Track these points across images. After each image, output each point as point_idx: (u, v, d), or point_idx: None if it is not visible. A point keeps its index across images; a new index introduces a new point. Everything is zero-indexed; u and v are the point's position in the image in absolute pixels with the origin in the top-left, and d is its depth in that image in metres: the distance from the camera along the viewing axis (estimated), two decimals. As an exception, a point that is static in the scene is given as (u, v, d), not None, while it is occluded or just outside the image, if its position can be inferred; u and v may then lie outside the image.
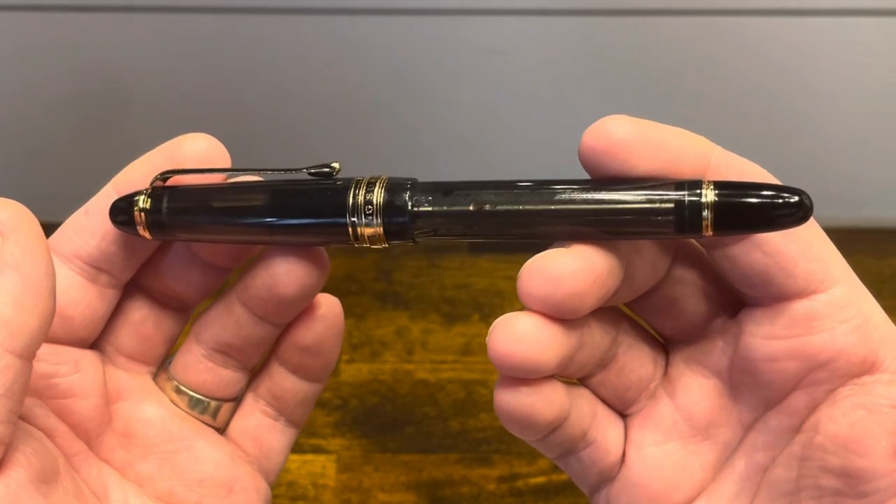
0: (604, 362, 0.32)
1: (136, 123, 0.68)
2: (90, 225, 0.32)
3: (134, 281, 0.34)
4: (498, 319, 0.29)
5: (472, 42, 0.66)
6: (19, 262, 0.28)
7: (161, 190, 0.31)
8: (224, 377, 0.35)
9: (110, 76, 0.67)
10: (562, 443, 0.32)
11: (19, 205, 0.29)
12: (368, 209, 0.29)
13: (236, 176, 0.33)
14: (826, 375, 0.30)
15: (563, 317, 0.29)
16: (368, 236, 0.30)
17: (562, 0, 0.64)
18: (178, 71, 0.67)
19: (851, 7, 0.65)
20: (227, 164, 0.32)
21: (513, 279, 0.70)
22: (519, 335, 0.29)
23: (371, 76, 0.67)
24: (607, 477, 0.33)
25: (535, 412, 0.30)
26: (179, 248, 0.33)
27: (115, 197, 0.32)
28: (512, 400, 0.30)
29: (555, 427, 0.31)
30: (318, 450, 0.57)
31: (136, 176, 0.32)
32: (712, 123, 0.67)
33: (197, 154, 0.32)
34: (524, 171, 0.71)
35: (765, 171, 0.30)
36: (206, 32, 0.65)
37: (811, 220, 0.29)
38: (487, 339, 0.29)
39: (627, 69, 0.67)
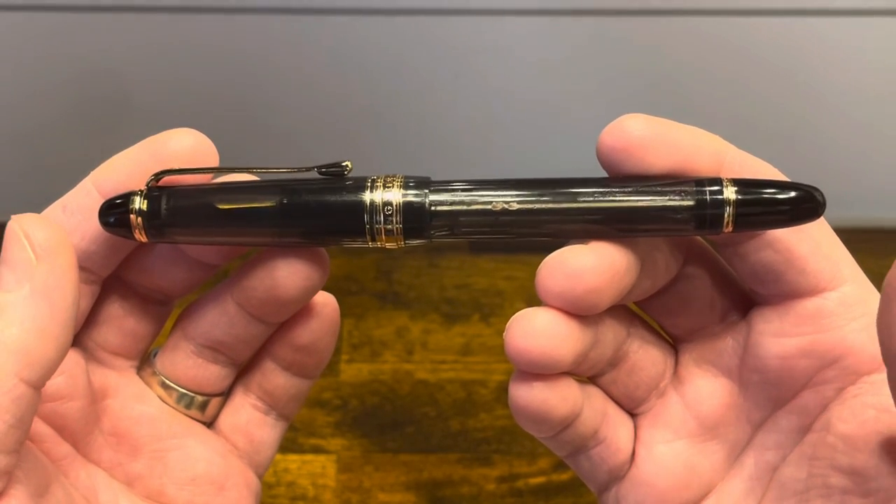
0: (615, 361, 0.32)
1: (135, 123, 0.68)
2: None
3: (115, 275, 0.33)
4: (516, 315, 0.29)
5: (472, 42, 0.66)
6: (51, 289, 0.27)
7: (158, 191, 0.30)
8: (213, 373, 0.34)
9: (109, 76, 0.67)
10: (573, 441, 0.32)
11: (58, 226, 0.28)
12: (388, 209, 0.29)
13: (223, 175, 0.31)
14: (836, 373, 0.30)
15: (581, 313, 0.29)
16: (386, 237, 0.29)
17: (562, 0, 0.64)
18: (177, 71, 0.67)
19: (853, 7, 0.65)
20: (215, 159, 0.31)
21: (513, 279, 0.70)
22: (537, 330, 0.29)
23: (371, 76, 0.67)
24: (616, 476, 0.33)
25: (549, 408, 0.30)
26: (164, 244, 0.32)
27: (95, 193, 0.30)
28: (527, 395, 0.30)
29: (567, 424, 0.31)
30: (318, 450, 0.57)
31: (118, 173, 0.30)
32: (713, 124, 0.67)
33: (184, 150, 0.30)
34: (524, 170, 0.71)
35: (776, 170, 0.30)
36: (206, 32, 0.65)
37: (821, 219, 0.29)
38: (505, 334, 0.29)
39: (628, 69, 0.67)
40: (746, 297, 0.32)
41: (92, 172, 0.31)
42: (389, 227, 0.29)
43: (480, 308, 0.64)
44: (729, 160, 0.30)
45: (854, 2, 0.65)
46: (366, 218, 0.29)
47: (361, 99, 0.68)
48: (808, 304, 0.30)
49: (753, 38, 0.66)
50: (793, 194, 0.28)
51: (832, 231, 0.31)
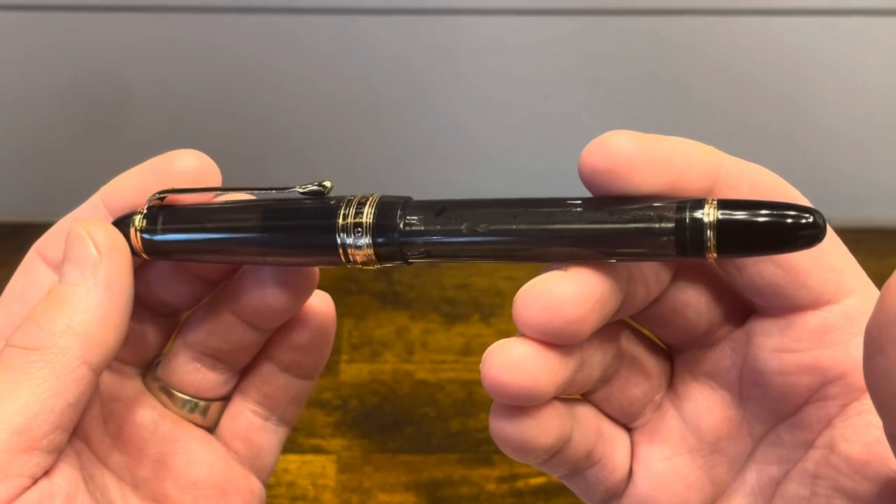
0: (605, 378, 0.30)
1: (135, 123, 0.68)
2: None
3: None
4: (492, 346, 0.27)
5: (472, 42, 0.66)
6: (112, 282, 0.30)
7: (157, 210, 0.31)
8: (212, 378, 0.34)
9: (110, 76, 0.67)
10: (565, 465, 0.31)
11: (115, 230, 0.31)
12: (358, 230, 0.28)
13: (226, 194, 0.32)
14: (839, 390, 0.29)
15: (561, 343, 0.27)
16: (359, 258, 0.29)
17: (562, 0, 0.64)
18: (177, 71, 0.67)
19: (852, 7, 0.65)
20: (217, 179, 0.32)
21: (513, 279, 0.70)
22: (514, 363, 0.27)
23: (371, 76, 0.67)
24: (614, 493, 0.32)
25: (532, 439, 0.28)
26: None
27: (102, 208, 0.32)
28: (508, 428, 0.28)
29: (554, 452, 0.30)
30: (318, 450, 0.57)
31: (123, 190, 0.32)
32: (713, 124, 0.67)
33: (187, 171, 0.31)
34: (524, 169, 0.71)
35: (779, 178, 0.28)
36: (206, 32, 0.65)
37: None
38: (481, 366, 0.27)
39: (628, 69, 0.67)
40: (744, 303, 0.30)
41: (101, 189, 0.32)
42: (361, 249, 0.28)
43: (480, 308, 0.64)
44: (724, 174, 0.27)
45: (854, 2, 0.65)
46: (338, 240, 0.29)
47: (361, 97, 0.68)
48: (809, 319, 0.28)
49: (755, 39, 0.66)
50: (787, 218, 0.25)
51: (836, 237, 0.29)
